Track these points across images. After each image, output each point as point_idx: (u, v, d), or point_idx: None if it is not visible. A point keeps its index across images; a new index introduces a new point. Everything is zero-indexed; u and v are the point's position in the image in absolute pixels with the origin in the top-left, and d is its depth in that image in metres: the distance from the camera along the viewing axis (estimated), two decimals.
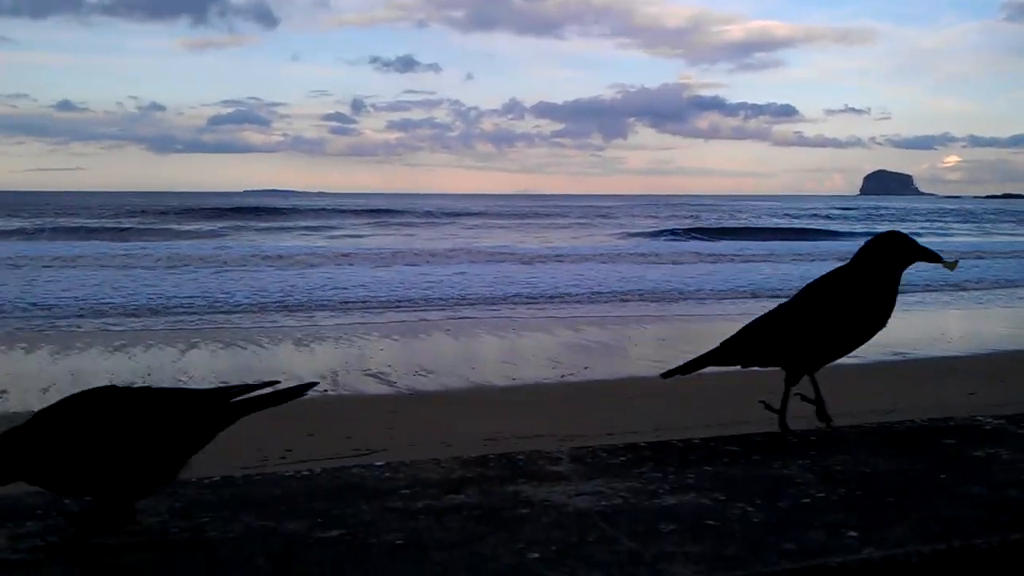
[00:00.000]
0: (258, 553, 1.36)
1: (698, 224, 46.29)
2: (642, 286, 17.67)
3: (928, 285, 15.78)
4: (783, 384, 2.08)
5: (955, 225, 52.89)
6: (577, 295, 16.28)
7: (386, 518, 1.49)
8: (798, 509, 1.51)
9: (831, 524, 1.43)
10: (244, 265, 21.37)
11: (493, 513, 1.51)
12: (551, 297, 15.98)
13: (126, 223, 42.28)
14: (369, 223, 45.94)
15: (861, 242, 2.13)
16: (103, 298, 14.78)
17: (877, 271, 2.05)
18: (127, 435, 1.43)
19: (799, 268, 21.99)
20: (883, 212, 65.50)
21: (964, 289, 16.72)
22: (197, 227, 40.91)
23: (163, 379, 8.30)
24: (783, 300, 2.15)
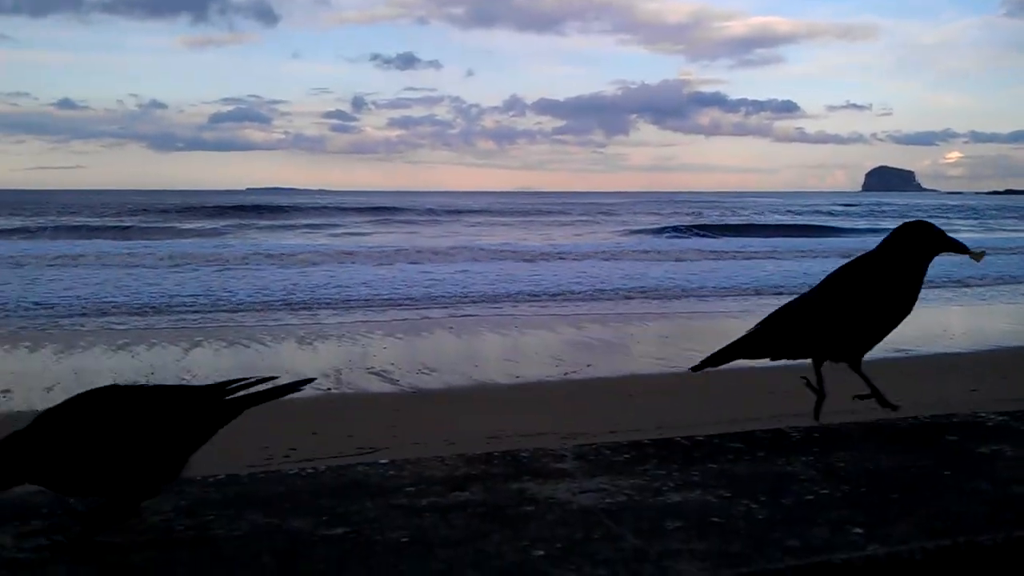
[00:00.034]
0: (263, 551, 1.36)
1: (700, 221, 46.24)
2: (645, 283, 17.65)
3: (930, 281, 15.73)
4: (816, 372, 2.09)
5: (958, 221, 52.77)
6: (580, 292, 16.26)
7: (391, 515, 1.50)
8: (802, 506, 1.51)
9: (835, 521, 1.43)
10: (246, 263, 21.36)
11: (498, 510, 1.52)
12: (554, 295, 15.96)
13: (128, 221, 42.28)
14: (371, 221, 45.90)
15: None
16: (105, 297, 14.78)
17: (905, 260, 2.04)
18: (130, 433, 1.43)
19: (802, 265, 21.97)
20: (886, 208, 65.38)
21: (967, 285, 16.68)
22: (199, 225, 40.90)
23: (166, 378, 8.30)
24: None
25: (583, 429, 6.02)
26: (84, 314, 13.20)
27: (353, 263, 21.97)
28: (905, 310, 2.05)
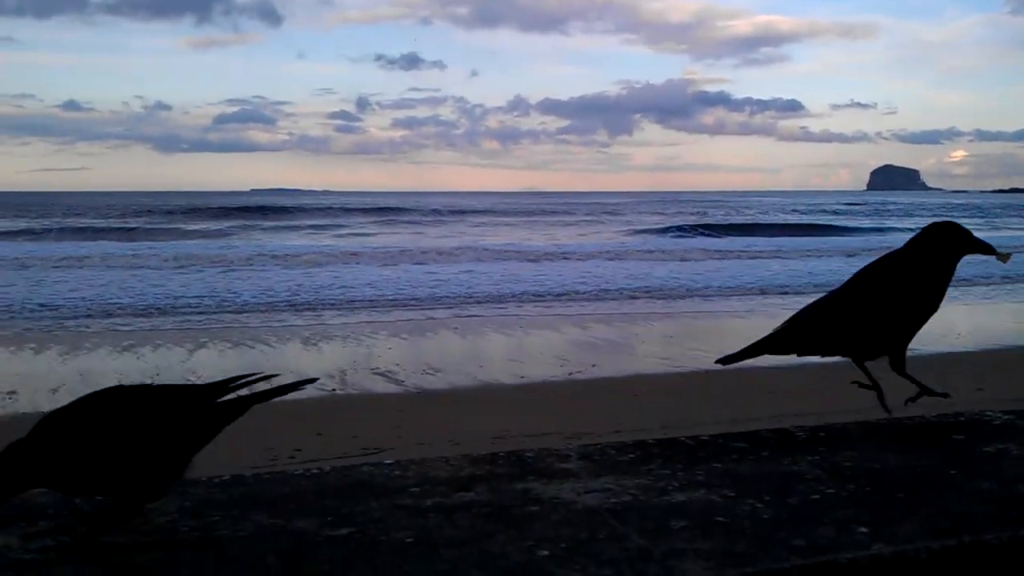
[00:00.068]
0: (268, 551, 1.36)
1: (705, 220, 46.19)
2: (649, 283, 17.65)
3: None
4: (860, 369, 2.10)
5: (963, 220, 52.46)
6: (584, 292, 16.26)
7: (395, 516, 1.50)
8: (808, 505, 1.51)
9: (841, 520, 1.43)
10: (251, 264, 21.40)
11: (502, 511, 1.52)
12: (558, 295, 15.96)
13: (133, 223, 42.36)
14: (375, 221, 45.94)
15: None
16: (111, 298, 14.81)
17: (932, 259, 2.05)
18: (136, 431, 1.44)
19: (807, 264, 21.95)
20: (891, 207, 65.28)
21: (972, 283, 16.65)
22: (204, 226, 40.97)
23: (171, 379, 8.32)
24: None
25: (588, 429, 6.02)
26: (89, 315, 13.23)
27: (358, 264, 22.00)
28: (931, 309, 2.06)
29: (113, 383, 1.58)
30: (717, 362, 2.12)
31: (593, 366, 9.17)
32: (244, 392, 1.54)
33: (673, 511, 1.49)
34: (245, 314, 13.47)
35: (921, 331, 2.10)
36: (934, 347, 9.04)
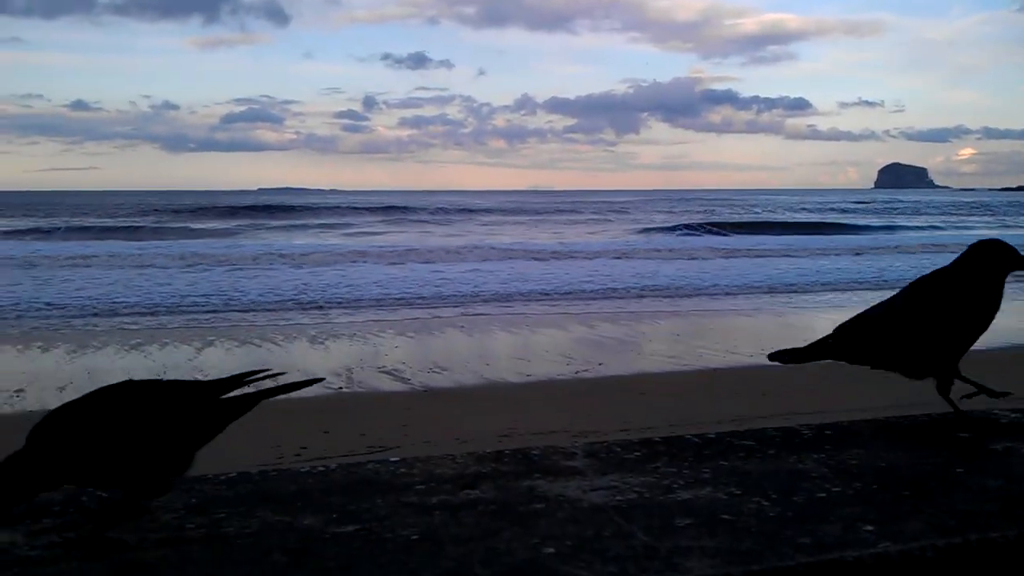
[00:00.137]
0: (275, 548, 1.36)
1: (712, 219, 46.10)
2: (656, 281, 17.63)
3: None
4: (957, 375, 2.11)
5: (972, 218, 52.47)
6: (591, 291, 16.25)
7: (401, 513, 1.50)
8: (814, 503, 1.51)
9: (847, 518, 1.42)
10: (258, 263, 21.44)
11: (508, 508, 1.51)
12: (565, 293, 15.96)
13: (140, 222, 42.50)
14: (382, 220, 45.99)
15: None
16: (118, 297, 14.86)
17: (979, 277, 2.05)
18: (147, 423, 1.45)
19: (816, 262, 21.89)
20: (899, 205, 65.08)
21: None
22: (211, 225, 41.07)
23: (178, 377, 8.32)
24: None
25: (594, 427, 6.02)
26: (96, 314, 13.28)
27: (365, 262, 22.02)
28: (981, 327, 2.06)
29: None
30: (769, 357, 2.12)
31: (600, 364, 9.17)
32: (250, 389, 1.55)
33: (679, 509, 1.49)
34: (252, 313, 13.49)
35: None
36: None
